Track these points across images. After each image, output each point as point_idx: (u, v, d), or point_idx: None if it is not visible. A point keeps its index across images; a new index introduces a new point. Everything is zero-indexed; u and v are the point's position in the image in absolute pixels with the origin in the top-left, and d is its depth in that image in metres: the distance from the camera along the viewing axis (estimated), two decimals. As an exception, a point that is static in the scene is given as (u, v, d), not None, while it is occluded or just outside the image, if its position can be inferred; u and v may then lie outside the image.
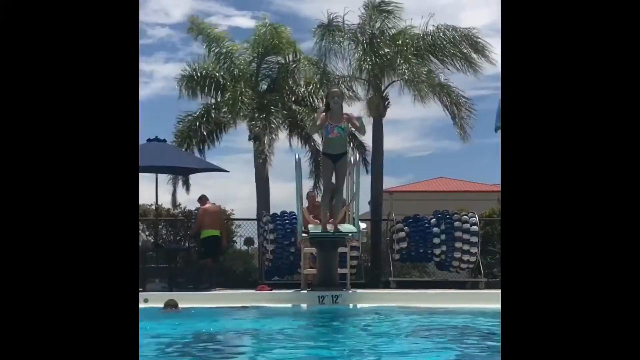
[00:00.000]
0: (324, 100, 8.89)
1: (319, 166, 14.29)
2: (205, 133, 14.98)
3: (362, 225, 10.64)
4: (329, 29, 13.81)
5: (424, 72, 13.51)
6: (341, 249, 10.31)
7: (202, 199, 12.23)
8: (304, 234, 9.92)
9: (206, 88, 14.43)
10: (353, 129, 9.24)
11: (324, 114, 8.68)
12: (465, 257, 12.62)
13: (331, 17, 13.93)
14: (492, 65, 13.76)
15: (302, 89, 15.07)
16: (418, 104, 13.81)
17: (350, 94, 14.42)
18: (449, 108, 14.05)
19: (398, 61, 13.44)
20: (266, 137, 13.60)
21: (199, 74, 14.47)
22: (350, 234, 9.87)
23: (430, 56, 14.11)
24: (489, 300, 8.72)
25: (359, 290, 10.37)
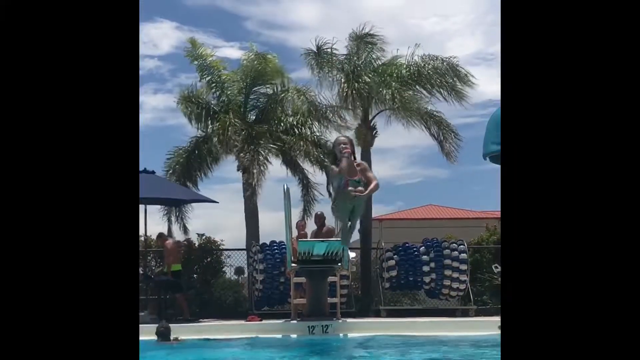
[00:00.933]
0: (333, 150, 7.66)
1: (309, 193, 14.35)
2: (195, 165, 15.04)
3: (352, 255, 10.67)
4: (319, 54, 13.93)
5: (412, 100, 13.63)
6: (331, 279, 10.33)
7: (162, 237, 12.52)
8: (293, 264, 9.93)
9: (202, 116, 14.51)
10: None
11: (336, 168, 7.35)
12: (455, 285, 12.64)
13: (319, 44, 14.07)
14: (475, 92, 13.93)
15: (291, 119, 15.15)
16: (405, 133, 13.93)
17: (340, 122, 14.51)
18: (437, 136, 14.17)
19: (384, 90, 13.54)
20: (255, 168, 13.64)
21: (192, 101, 14.57)
22: (339, 264, 9.89)
23: (417, 86, 14.24)
24: (480, 328, 8.76)
25: (349, 320, 10.36)
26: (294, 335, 9.10)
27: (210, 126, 14.52)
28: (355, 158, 7.50)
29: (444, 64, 14.07)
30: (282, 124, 14.99)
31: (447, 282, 12.64)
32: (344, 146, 7.26)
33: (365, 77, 13.60)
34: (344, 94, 13.45)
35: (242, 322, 10.76)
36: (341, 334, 9.00)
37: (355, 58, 14.13)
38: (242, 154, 13.62)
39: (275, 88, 14.92)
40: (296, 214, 14.12)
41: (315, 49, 14.01)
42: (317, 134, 15.13)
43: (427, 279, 12.71)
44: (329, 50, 14.02)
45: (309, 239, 10.46)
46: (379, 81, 13.71)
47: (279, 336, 9.07)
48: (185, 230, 15.18)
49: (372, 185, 7.30)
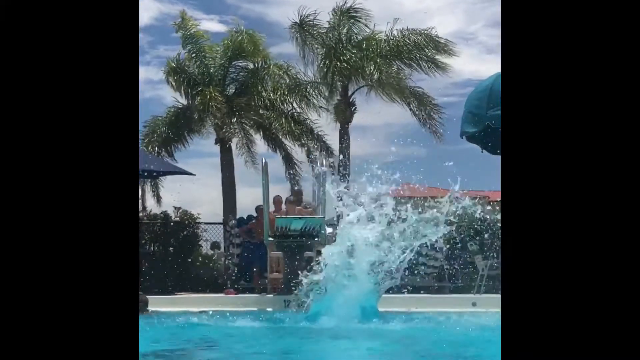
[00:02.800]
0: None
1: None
2: (173, 137, 14.95)
3: (329, 230, 10.67)
4: (302, 27, 13.85)
5: (394, 76, 13.61)
6: (308, 254, 10.32)
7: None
8: (270, 238, 9.92)
9: (184, 87, 14.42)
10: None
11: None
12: (431, 263, 12.70)
13: (302, 17, 13.99)
14: (455, 61, 13.92)
15: (272, 94, 15.09)
16: (384, 110, 13.94)
17: (318, 100, 14.47)
18: (417, 113, 14.18)
19: (366, 65, 13.50)
20: (234, 142, 13.60)
21: (178, 71, 14.48)
22: (317, 239, 9.89)
23: (397, 61, 14.22)
24: (457, 305, 8.84)
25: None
26: (269, 309, 9.10)
27: (191, 98, 14.42)
28: None
29: (423, 36, 14.02)
30: (262, 100, 14.91)
31: (422, 260, 12.69)
32: None
33: (347, 52, 13.53)
34: (325, 68, 13.39)
35: (219, 295, 10.75)
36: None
37: (336, 32, 14.05)
38: (223, 128, 13.56)
39: (256, 64, 14.83)
40: (279, 190, 14.12)
41: (298, 21, 13.92)
42: (298, 110, 15.10)
43: (403, 256, 12.75)
44: (311, 22, 13.93)
45: (287, 216, 10.41)
46: (361, 56, 13.64)
47: (255, 309, 9.05)
48: (159, 201, 15.12)
49: None
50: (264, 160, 9.95)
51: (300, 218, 9.68)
